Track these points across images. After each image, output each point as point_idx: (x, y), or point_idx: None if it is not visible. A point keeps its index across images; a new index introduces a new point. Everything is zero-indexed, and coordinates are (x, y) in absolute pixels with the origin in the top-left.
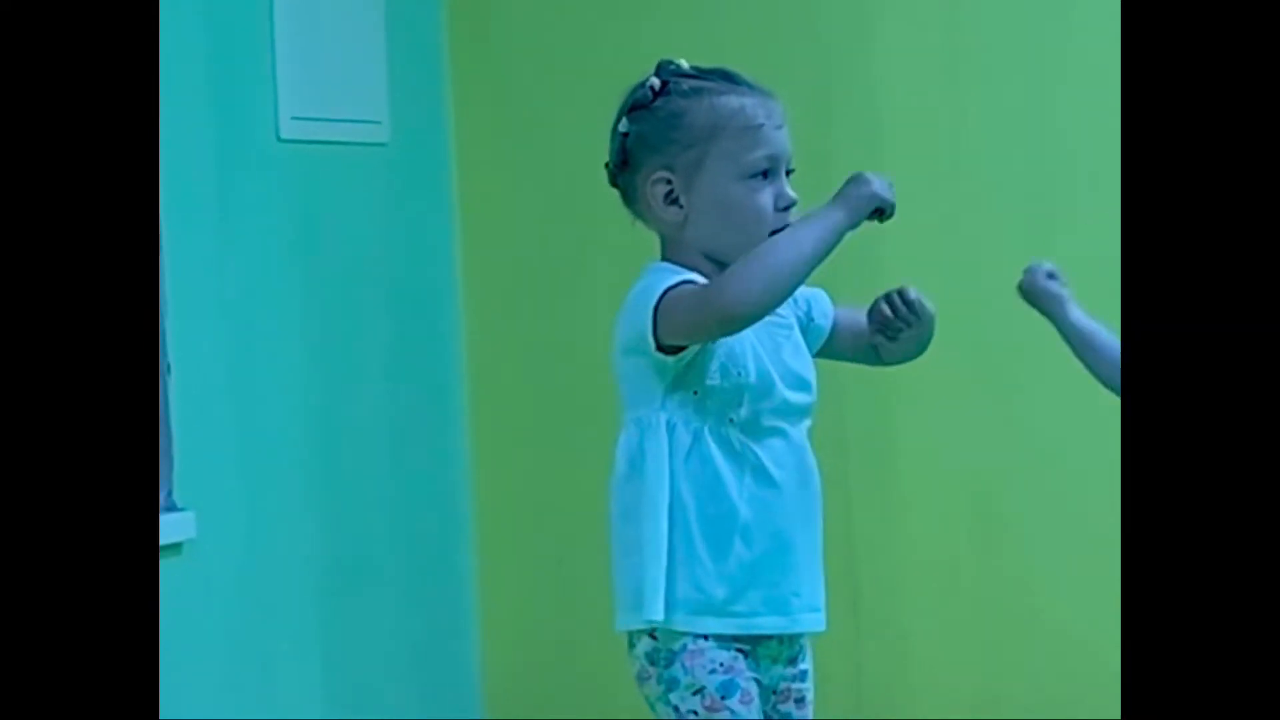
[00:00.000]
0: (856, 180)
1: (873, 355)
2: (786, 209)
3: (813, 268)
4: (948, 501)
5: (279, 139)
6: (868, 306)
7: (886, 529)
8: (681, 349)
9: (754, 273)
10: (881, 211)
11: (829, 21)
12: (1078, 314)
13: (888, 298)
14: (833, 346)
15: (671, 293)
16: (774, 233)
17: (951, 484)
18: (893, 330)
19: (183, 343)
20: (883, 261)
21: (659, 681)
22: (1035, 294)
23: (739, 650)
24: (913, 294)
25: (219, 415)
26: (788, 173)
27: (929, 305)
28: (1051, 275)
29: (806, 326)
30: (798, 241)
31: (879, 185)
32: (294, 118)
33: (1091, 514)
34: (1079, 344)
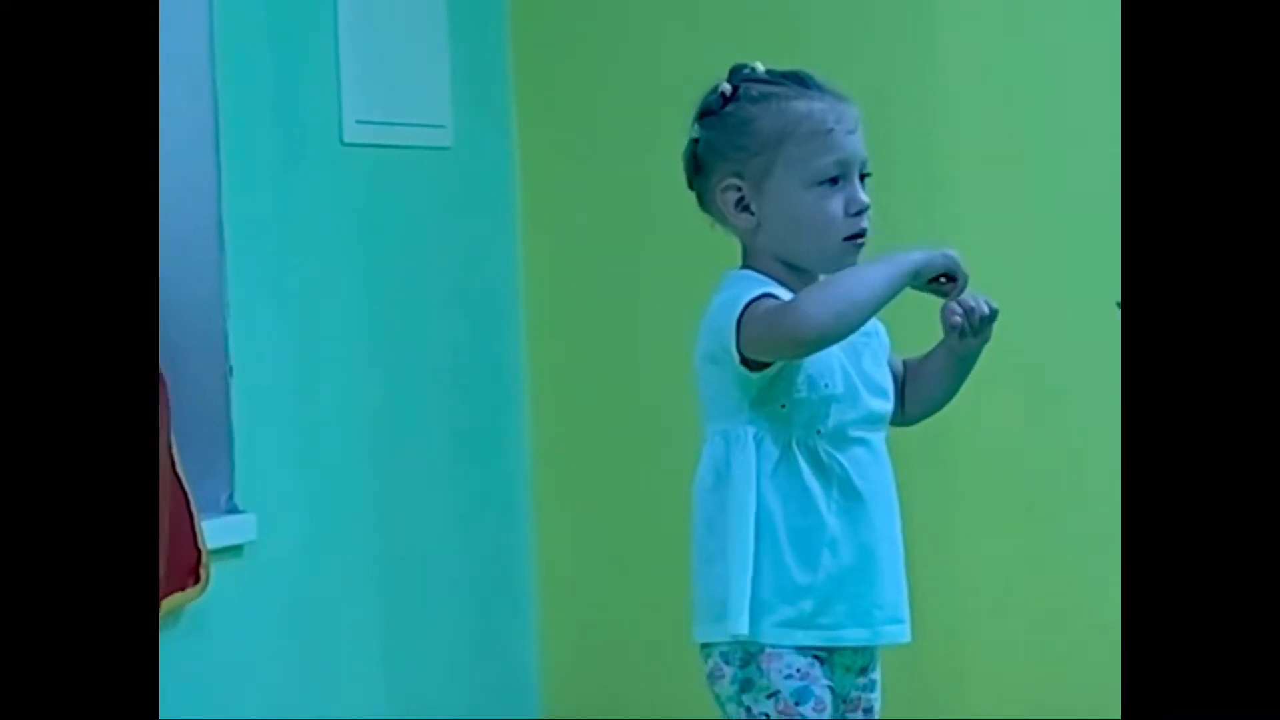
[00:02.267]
0: (945, 252)
1: (896, 414)
2: (858, 214)
3: (882, 304)
4: (1003, 507)
5: (343, 143)
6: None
7: (941, 535)
8: (766, 364)
9: (825, 301)
10: (954, 279)
11: (890, 27)
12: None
13: (961, 302)
14: None
15: (752, 306)
16: (847, 239)
17: (1007, 490)
18: (962, 334)
19: (244, 345)
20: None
21: (733, 681)
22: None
23: (816, 657)
24: (985, 308)
25: (280, 418)
26: (863, 176)
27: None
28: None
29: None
30: (871, 275)
31: (956, 253)
32: (358, 121)
33: None
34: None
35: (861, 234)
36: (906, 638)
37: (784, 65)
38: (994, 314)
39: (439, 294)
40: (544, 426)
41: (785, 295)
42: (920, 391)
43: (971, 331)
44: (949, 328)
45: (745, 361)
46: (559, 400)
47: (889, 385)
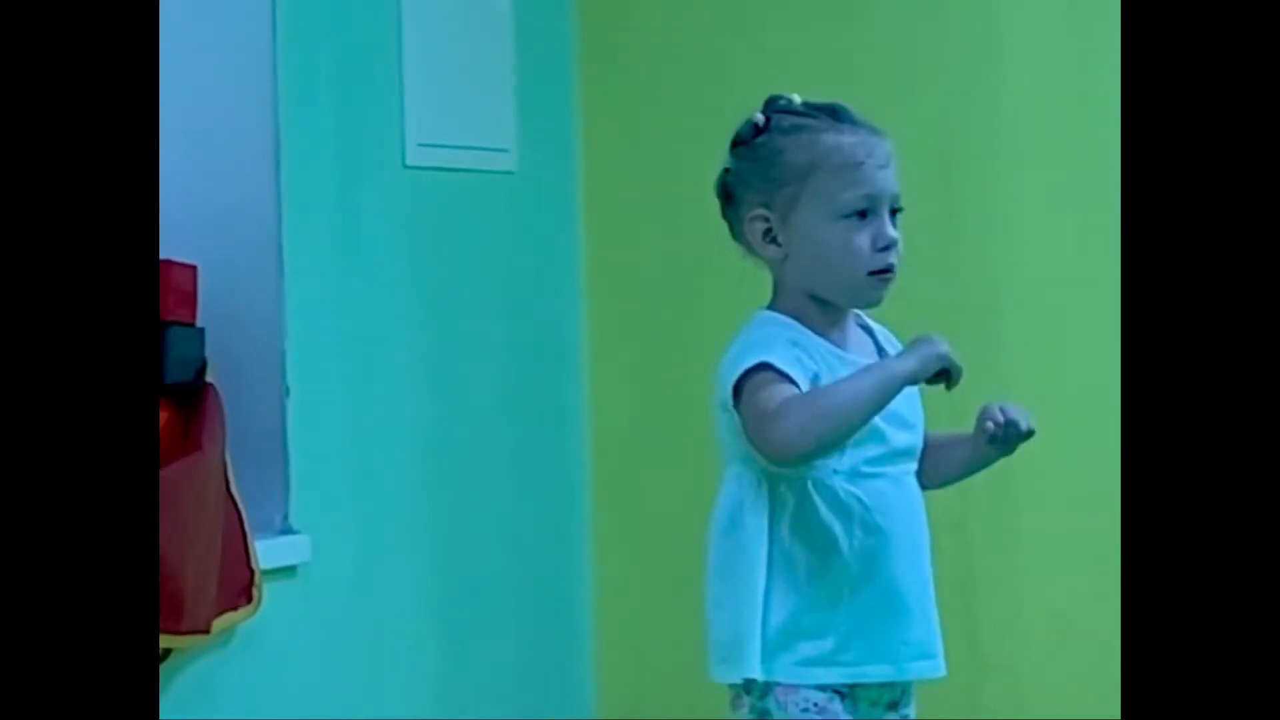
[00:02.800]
0: (927, 340)
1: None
2: (885, 249)
3: (870, 417)
4: (1068, 544)
5: (405, 165)
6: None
7: (1006, 572)
8: None
9: (808, 423)
10: (949, 374)
11: (955, 59)
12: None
13: (990, 414)
14: None
15: (748, 381)
16: (873, 273)
17: (1072, 527)
18: (997, 442)
19: (302, 366)
20: (1004, 308)
21: (751, 711)
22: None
23: (836, 692)
24: (1024, 425)
25: (336, 440)
26: (894, 212)
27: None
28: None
29: None
30: (858, 391)
31: (946, 347)
32: (420, 144)
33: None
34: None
35: (888, 269)
36: (940, 672)
37: (824, 98)
38: (1029, 434)
39: (499, 320)
40: (603, 453)
41: (790, 364)
42: (931, 468)
43: (1003, 442)
44: (981, 431)
45: None
46: (618, 427)
47: (916, 418)
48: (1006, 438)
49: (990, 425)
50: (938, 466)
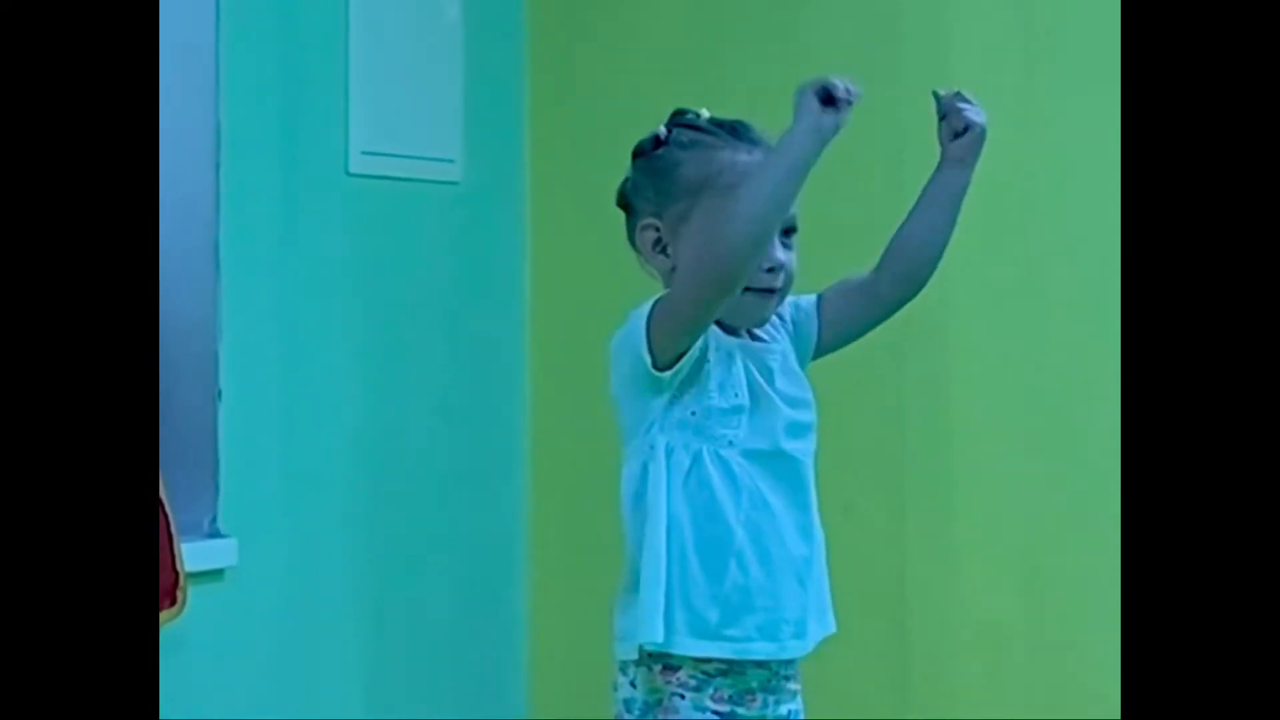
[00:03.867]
0: (800, 93)
1: (876, 310)
2: (771, 270)
3: (796, 186)
4: (1001, 567)
5: (348, 173)
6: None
7: (939, 593)
8: (676, 361)
9: (739, 216)
10: (832, 97)
11: (908, 63)
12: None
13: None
14: (834, 337)
15: (659, 302)
16: (756, 290)
17: (1005, 550)
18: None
19: (235, 370)
20: (948, 325)
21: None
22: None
23: (715, 713)
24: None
25: (268, 444)
26: (787, 232)
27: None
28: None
29: (796, 340)
30: (769, 164)
31: (817, 79)
32: (364, 152)
33: None
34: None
35: (772, 291)
36: (808, 648)
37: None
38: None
39: (439, 329)
40: (543, 463)
41: None
42: (905, 253)
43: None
44: (947, 123)
45: (655, 364)
46: (558, 438)
47: (807, 396)
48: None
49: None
50: (911, 242)
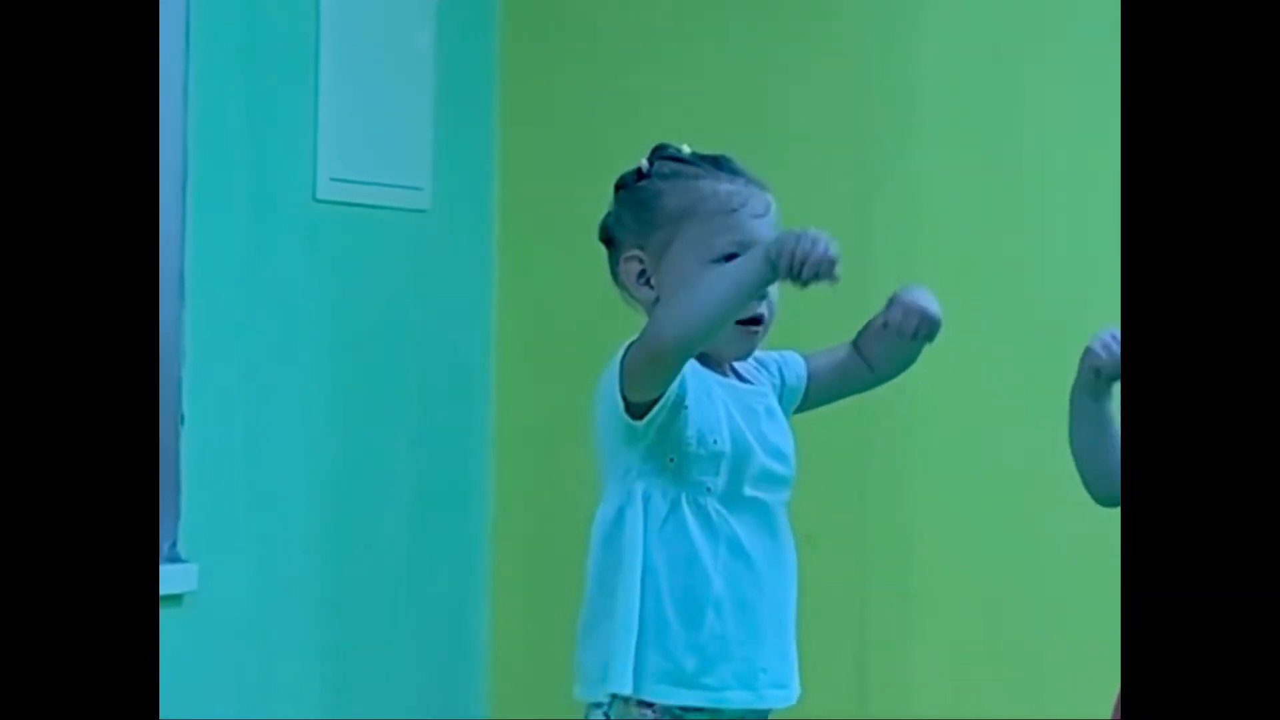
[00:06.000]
0: (795, 234)
1: (866, 378)
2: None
3: (741, 301)
4: (959, 608)
5: (315, 198)
6: (848, 340)
7: (899, 633)
8: (649, 409)
9: (673, 313)
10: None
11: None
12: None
13: (900, 306)
14: (818, 395)
15: (632, 348)
16: (741, 322)
17: (964, 591)
18: (903, 336)
19: (200, 395)
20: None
21: None
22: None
23: None
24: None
25: (231, 470)
26: None
27: (933, 309)
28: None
29: (782, 392)
30: (720, 278)
31: (795, 233)
32: (333, 179)
33: (1102, 620)
34: (1094, 433)
35: (757, 320)
36: (791, 700)
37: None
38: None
39: (406, 356)
40: (509, 488)
41: None
42: (878, 355)
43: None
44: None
45: (630, 410)
46: (525, 463)
47: (788, 449)
48: (906, 328)
49: (895, 318)
50: (879, 353)
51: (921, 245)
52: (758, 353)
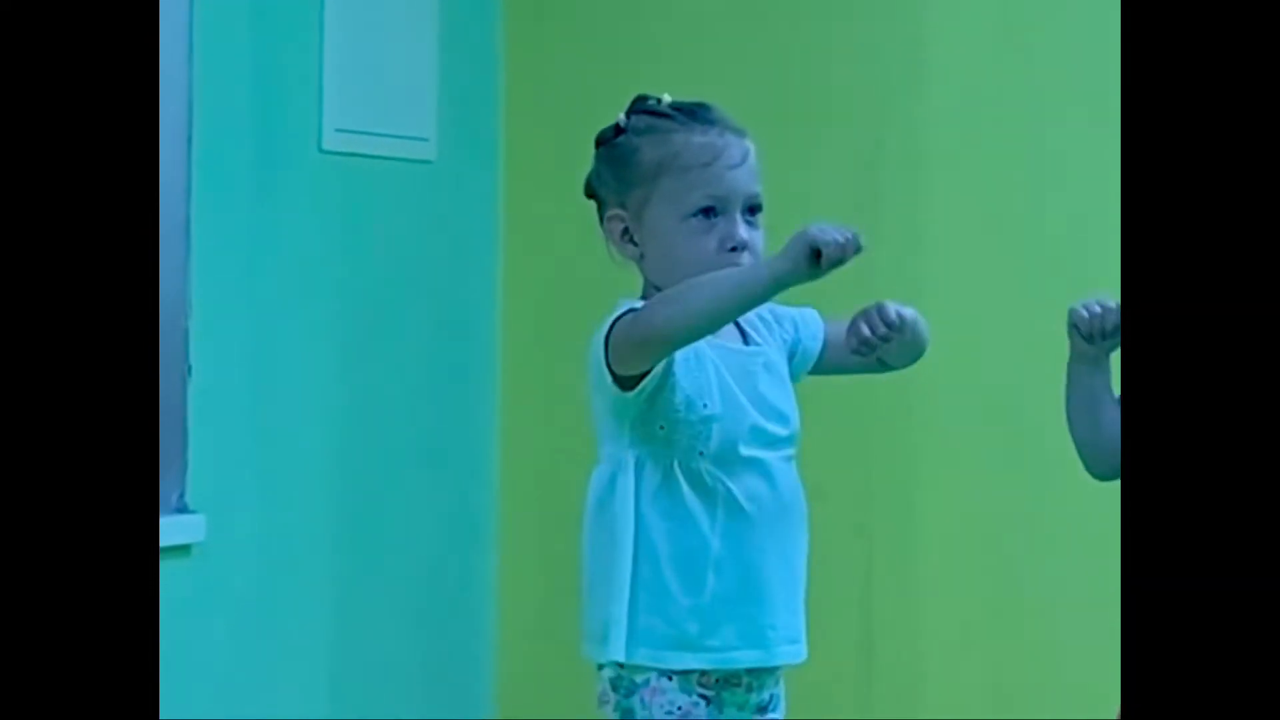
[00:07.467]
0: (798, 234)
1: (874, 365)
2: (735, 250)
3: (733, 311)
4: (966, 576)
5: (321, 150)
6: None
7: (905, 602)
8: (637, 382)
9: (666, 309)
10: (820, 254)
11: (881, 58)
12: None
13: (866, 316)
14: (830, 363)
15: (618, 323)
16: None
17: (971, 558)
18: (869, 348)
19: (206, 346)
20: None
21: (615, 709)
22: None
23: (701, 696)
24: (892, 312)
25: (238, 421)
26: (752, 210)
27: (909, 314)
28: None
29: (795, 349)
30: (720, 282)
31: (816, 230)
32: (338, 130)
33: (1112, 568)
34: (1085, 403)
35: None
36: (802, 657)
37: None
38: (900, 318)
39: (412, 308)
40: (513, 444)
41: None
42: (888, 354)
43: (883, 340)
44: (854, 348)
45: (618, 381)
46: (530, 419)
47: (788, 409)
48: (889, 339)
49: (865, 333)
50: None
51: (929, 215)
52: (776, 306)
